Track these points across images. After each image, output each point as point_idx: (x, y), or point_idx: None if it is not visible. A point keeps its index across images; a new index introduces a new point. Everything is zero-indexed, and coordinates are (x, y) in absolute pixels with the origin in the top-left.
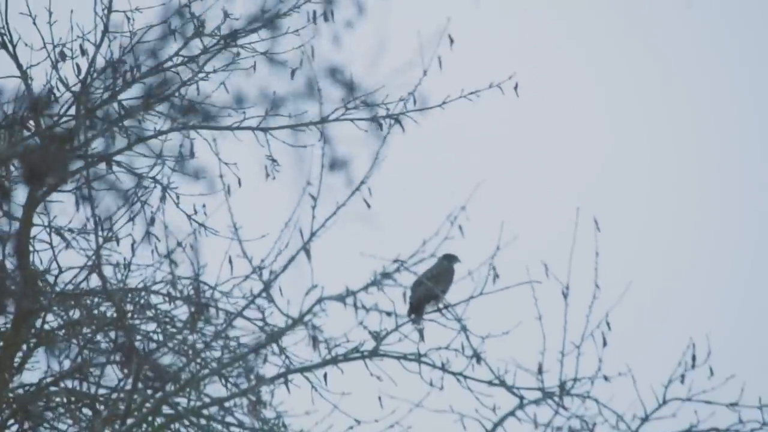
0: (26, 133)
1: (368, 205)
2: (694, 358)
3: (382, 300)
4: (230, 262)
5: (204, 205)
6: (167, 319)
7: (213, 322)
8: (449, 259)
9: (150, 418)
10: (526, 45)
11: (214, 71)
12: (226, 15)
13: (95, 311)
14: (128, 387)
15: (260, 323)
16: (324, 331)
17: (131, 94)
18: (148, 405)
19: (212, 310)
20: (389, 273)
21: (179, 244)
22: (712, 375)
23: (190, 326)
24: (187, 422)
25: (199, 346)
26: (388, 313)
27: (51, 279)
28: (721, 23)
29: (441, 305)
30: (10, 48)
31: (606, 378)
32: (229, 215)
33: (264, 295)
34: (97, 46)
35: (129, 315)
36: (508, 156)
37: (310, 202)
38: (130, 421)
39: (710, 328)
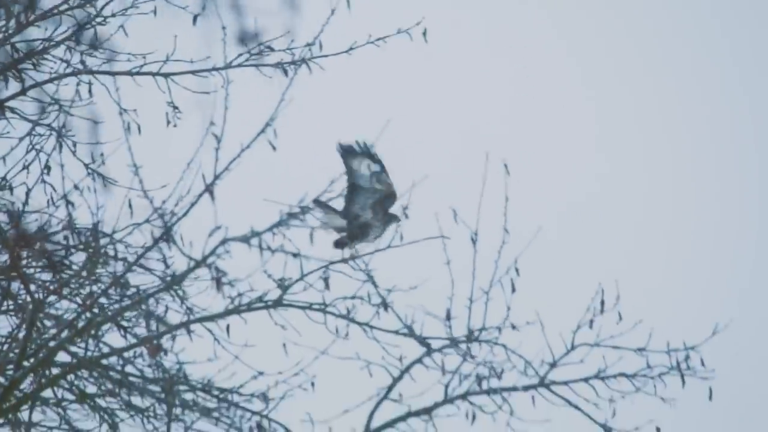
0: None
1: (274, 147)
2: (602, 303)
3: (288, 245)
4: (130, 205)
5: (102, 154)
6: (64, 266)
7: (111, 269)
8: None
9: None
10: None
11: (113, 15)
12: None
13: None
14: (22, 334)
15: (161, 269)
16: (228, 275)
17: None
18: (42, 353)
19: (110, 256)
20: (295, 213)
21: (76, 187)
22: (621, 320)
23: (87, 272)
24: (85, 372)
25: (97, 292)
26: (294, 255)
27: None
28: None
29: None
30: None
31: (513, 326)
32: (129, 155)
33: (165, 238)
34: None
35: (23, 262)
36: (421, 100)
37: (213, 143)
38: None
39: (619, 273)
